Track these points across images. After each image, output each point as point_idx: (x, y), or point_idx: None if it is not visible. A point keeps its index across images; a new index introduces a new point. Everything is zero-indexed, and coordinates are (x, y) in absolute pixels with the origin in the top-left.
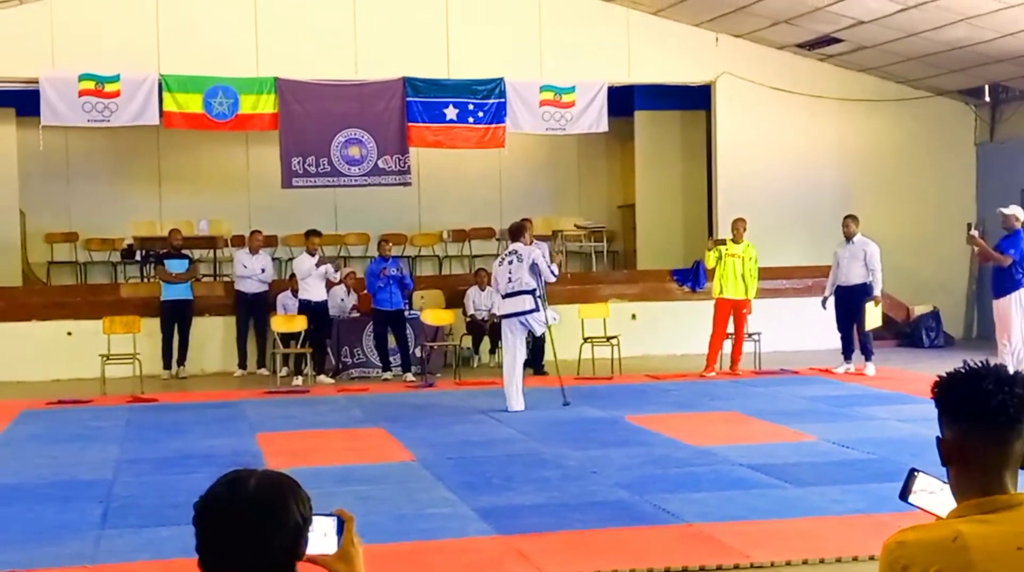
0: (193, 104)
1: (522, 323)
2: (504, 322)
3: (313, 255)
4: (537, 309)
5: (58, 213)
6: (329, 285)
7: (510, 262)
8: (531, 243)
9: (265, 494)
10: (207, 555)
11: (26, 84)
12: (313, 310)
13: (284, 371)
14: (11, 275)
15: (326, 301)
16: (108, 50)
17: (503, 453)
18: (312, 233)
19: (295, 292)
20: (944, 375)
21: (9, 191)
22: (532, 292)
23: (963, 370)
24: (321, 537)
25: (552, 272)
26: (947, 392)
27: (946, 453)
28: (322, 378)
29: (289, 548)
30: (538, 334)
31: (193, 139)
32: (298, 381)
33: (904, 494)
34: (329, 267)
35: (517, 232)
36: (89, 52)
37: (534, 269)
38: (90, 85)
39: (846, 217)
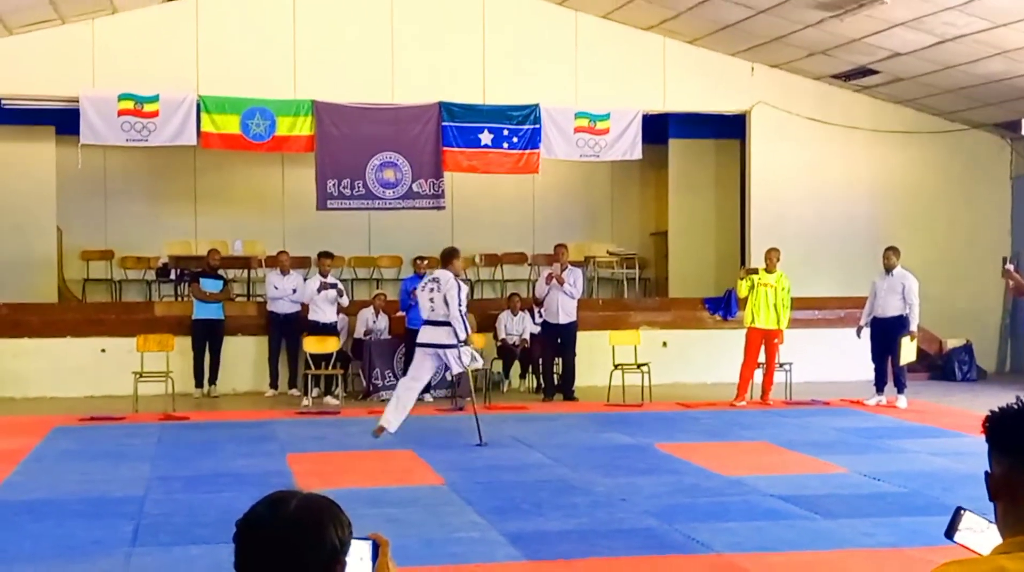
0: (230, 125)
1: (439, 356)
2: (420, 349)
3: (325, 277)
4: (456, 345)
5: (94, 231)
6: (340, 309)
7: (431, 289)
8: (460, 273)
9: (304, 516)
10: None
11: (66, 103)
12: (321, 331)
13: (315, 392)
14: (47, 292)
15: (335, 323)
16: (148, 70)
17: (532, 478)
18: (323, 255)
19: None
20: (996, 409)
21: (47, 208)
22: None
23: (1016, 405)
24: (357, 561)
25: (461, 311)
26: (998, 426)
27: (994, 488)
28: (328, 400)
29: (325, 571)
30: (455, 372)
31: (229, 160)
32: (307, 402)
33: (950, 532)
34: (332, 292)
35: (447, 257)
36: (129, 72)
37: (447, 304)
38: (129, 105)
39: (887, 249)
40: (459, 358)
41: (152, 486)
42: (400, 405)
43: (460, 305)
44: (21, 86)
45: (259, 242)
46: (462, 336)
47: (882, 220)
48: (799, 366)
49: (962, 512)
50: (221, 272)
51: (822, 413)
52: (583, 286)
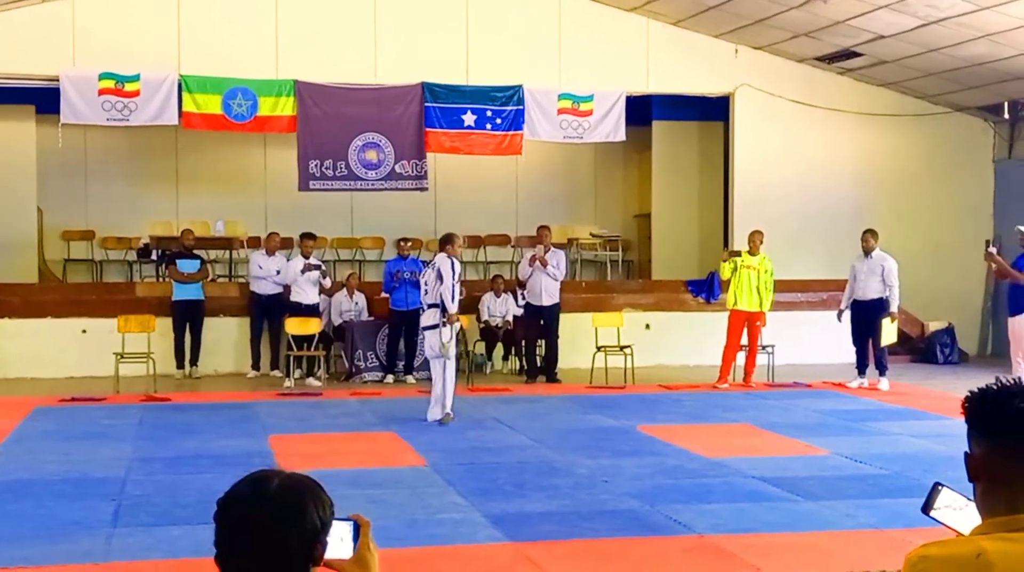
0: (212, 105)
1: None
2: (426, 333)
3: (307, 258)
4: (437, 326)
5: (75, 211)
6: (322, 290)
7: (427, 273)
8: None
9: (285, 495)
10: (224, 552)
11: (46, 82)
12: (304, 313)
13: (297, 373)
14: (28, 272)
15: (317, 304)
16: (128, 50)
17: (515, 460)
18: (306, 236)
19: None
20: (975, 390)
21: (27, 188)
22: (440, 306)
23: (995, 386)
24: (337, 542)
25: (453, 291)
26: (977, 408)
27: (973, 469)
28: (310, 381)
29: (305, 550)
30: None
31: (211, 140)
32: (289, 383)
33: (926, 508)
34: (315, 274)
35: (444, 242)
36: (110, 51)
37: (440, 279)
38: (110, 84)
39: (865, 231)
40: (440, 337)
41: (133, 467)
42: (443, 391)
43: (453, 279)
44: (0, 64)
45: (241, 222)
46: (452, 309)
47: (865, 202)
48: (781, 348)
49: (940, 488)
50: (198, 252)
51: (804, 395)
52: (566, 268)
